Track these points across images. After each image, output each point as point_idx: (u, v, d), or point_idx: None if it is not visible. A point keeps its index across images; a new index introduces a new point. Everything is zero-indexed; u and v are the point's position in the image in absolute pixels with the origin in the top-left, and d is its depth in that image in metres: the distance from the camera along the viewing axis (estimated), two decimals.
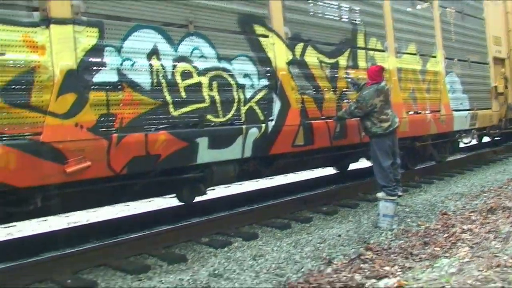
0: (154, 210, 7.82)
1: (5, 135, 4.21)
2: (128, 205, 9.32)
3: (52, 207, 5.06)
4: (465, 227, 5.77)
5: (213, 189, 9.53)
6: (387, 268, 4.71)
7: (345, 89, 7.82)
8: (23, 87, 4.32)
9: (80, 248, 5.59)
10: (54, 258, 5.12)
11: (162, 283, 4.64)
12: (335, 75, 7.69)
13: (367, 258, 5.12)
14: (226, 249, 5.77)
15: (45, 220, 8.30)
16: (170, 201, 8.60)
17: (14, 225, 7.93)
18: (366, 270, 4.72)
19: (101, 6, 4.95)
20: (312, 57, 7.32)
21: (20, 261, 5.09)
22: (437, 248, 5.18)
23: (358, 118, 7.05)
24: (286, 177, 11.52)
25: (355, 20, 8.15)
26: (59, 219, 8.48)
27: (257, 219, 6.93)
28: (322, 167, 10.82)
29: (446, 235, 5.66)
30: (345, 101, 7.75)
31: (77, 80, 4.67)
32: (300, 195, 8.40)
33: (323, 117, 7.37)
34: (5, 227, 7.65)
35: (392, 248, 5.47)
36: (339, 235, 6.09)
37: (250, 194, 9.07)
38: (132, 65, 5.16)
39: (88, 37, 4.80)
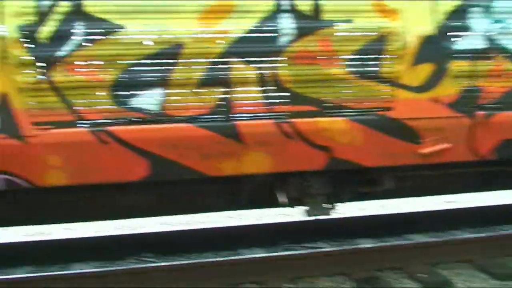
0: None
1: (350, 109, 3.96)
2: None
3: (404, 190, 4.65)
4: None
5: None
6: None
7: None
8: (371, 56, 3.97)
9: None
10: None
11: None
12: None
13: None
14: None
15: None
16: None
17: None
18: None
19: None
20: None
21: None
22: None
23: None
24: None
25: None
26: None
27: None
28: None
29: None
30: None
31: (435, 48, 4.06)
32: None
33: None
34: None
35: None
36: None
37: None
38: (504, 28, 4.23)
39: None
